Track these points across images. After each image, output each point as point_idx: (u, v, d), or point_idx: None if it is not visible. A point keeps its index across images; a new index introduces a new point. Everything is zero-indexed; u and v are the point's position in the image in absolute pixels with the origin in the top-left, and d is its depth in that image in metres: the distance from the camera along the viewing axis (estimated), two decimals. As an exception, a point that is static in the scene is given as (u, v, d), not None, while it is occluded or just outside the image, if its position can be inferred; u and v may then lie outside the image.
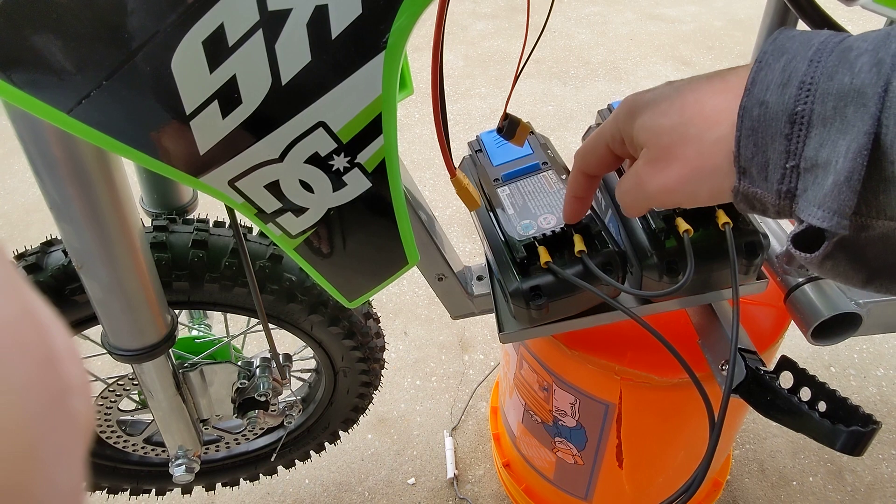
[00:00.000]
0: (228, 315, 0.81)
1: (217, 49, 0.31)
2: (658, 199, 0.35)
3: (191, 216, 0.72)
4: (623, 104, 0.37)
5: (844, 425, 0.48)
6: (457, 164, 0.73)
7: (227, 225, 0.68)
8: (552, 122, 1.96)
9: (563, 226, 0.57)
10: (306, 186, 0.38)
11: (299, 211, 0.40)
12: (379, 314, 0.85)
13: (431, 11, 0.39)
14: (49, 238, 0.64)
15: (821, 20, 0.49)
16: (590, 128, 0.71)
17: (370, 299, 0.82)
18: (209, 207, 0.79)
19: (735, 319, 0.49)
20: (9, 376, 0.12)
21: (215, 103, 0.33)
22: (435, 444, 1.14)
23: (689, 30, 2.43)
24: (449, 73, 2.22)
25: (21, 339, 0.13)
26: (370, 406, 0.92)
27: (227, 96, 0.33)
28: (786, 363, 0.56)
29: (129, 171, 0.58)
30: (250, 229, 0.71)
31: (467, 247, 1.53)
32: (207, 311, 0.90)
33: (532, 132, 0.69)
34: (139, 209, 0.65)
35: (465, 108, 2.03)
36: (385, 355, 0.87)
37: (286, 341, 1.12)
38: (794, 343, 1.22)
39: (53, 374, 0.14)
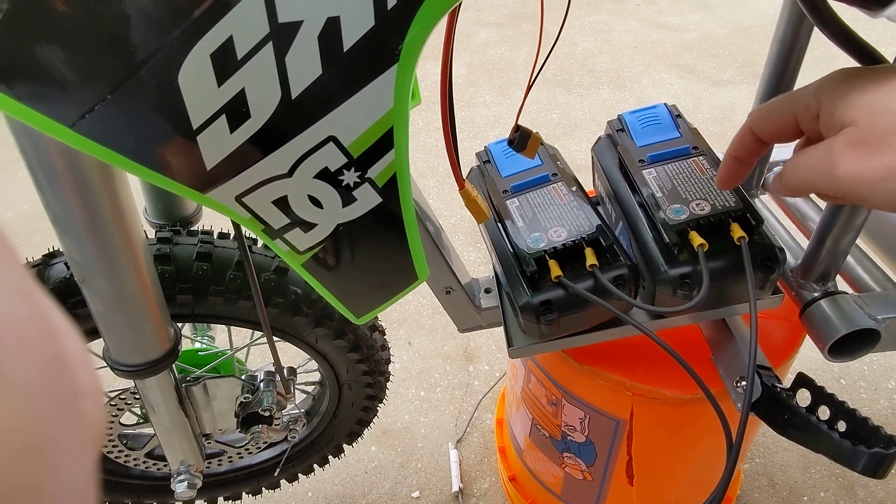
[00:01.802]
0: (233, 328, 0.80)
1: (225, 62, 0.30)
2: (844, 188, 0.30)
3: (195, 227, 0.71)
4: (834, 75, 0.32)
5: (866, 446, 0.47)
6: (464, 174, 0.72)
7: (231, 237, 0.67)
8: (557, 130, 1.96)
9: (574, 239, 0.56)
10: (315, 202, 0.37)
11: (308, 226, 0.39)
12: (383, 324, 0.84)
13: (439, 23, 0.38)
14: (51, 250, 0.63)
15: (838, 30, 0.48)
16: (599, 138, 0.70)
17: (375, 311, 0.81)
18: (214, 219, 0.78)
19: (753, 337, 0.48)
20: (17, 374, 0.12)
21: (223, 118, 0.32)
22: (439, 457, 1.12)
23: (693, 38, 2.43)
24: (454, 81, 2.22)
25: (31, 339, 0.13)
26: (375, 419, 0.91)
27: (236, 110, 0.32)
28: (803, 380, 0.55)
29: (133, 181, 0.57)
30: (255, 241, 0.70)
31: (472, 256, 1.52)
32: (211, 325, 0.89)
33: (542, 143, 0.68)
34: (143, 220, 0.65)
35: (469, 117, 2.02)
36: (390, 367, 0.86)
37: (290, 353, 1.11)
38: (803, 355, 1.20)
39: (63, 375, 0.14)
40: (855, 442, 0.47)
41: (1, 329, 0.12)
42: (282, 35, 0.30)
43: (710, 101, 2.05)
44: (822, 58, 2.12)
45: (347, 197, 0.37)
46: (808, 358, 1.21)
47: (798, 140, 0.39)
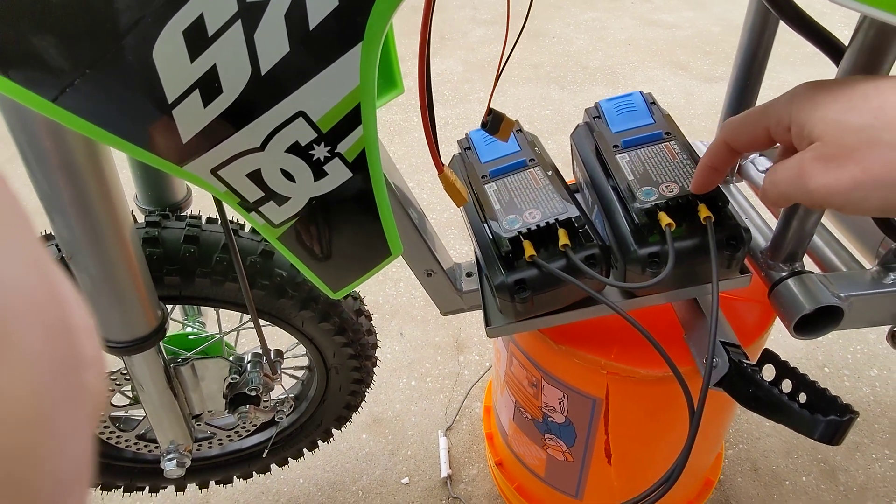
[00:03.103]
0: (222, 312, 0.82)
1: (197, 39, 0.32)
2: (817, 199, 0.33)
3: (185, 213, 0.73)
4: (801, 89, 0.34)
5: (822, 415, 0.48)
6: (447, 162, 0.74)
7: (218, 221, 0.69)
8: (550, 125, 1.97)
9: (547, 220, 0.58)
10: (288, 175, 0.39)
11: (281, 200, 0.41)
12: (374, 315, 0.86)
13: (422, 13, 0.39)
14: (44, 233, 0.65)
15: (797, 18, 0.50)
16: (578, 126, 0.72)
17: (362, 296, 0.83)
18: (203, 204, 0.80)
19: (714, 310, 0.50)
20: (26, 342, 0.12)
21: (196, 92, 0.34)
22: (429, 444, 1.14)
23: (687, 35, 2.45)
24: (448, 77, 2.24)
25: (40, 308, 0.13)
26: (363, 405, 0.93)
27: (208, 86, 0.34)
28: (768, 356, 0.57)
29: (124, 168, 0.59)
30: (242, 226, 0.72)
31: (464, 249, 1.54)
32: (202, 310, 0.91)
33: (520, 129, 0.70)
34: (133, 206, 0.66)
35: (463, 113, 2.04)
36: (381, 356, 0.88)
37: (281, 340, 1.13)
38: (788, 343, 1.22)
39: (69, 345, 0.14)
40: (813, 412, 0.49)
41: (12, 296, 0.12)
42: (250, 13, 0.32)
43: (702, 96, 2.07)
44: (815, 52, 2.13)
45: (318, 171, 0.39)
46: (794, 347, 1.23)
47: (778, 147, 0.41)
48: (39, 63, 0.32)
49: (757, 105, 0.40)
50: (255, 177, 0.39)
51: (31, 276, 0.13)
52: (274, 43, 0.33)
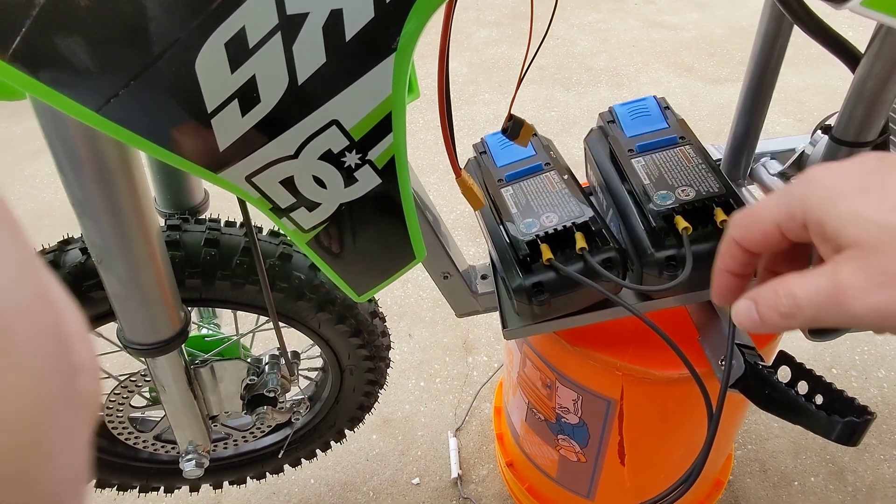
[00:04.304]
0: (238, 315, 0.83)
1: (238, 50, 0.33)
2: (866, 323, 0.26)
3: (203, 216, 0.74)
4: (814, 176, 0.28)
5: (840, 416, 0.49)
6: (462, 166, 0.75)
7: (238, 224, 0.70)
8: (555, 127, 1.98)
9: (565, 223, 0.59)
10: (319, 182, 0.40)
11: (312, 206, 0.42)
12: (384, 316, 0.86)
13: (437, 20, 0.40)
14: (66, 237, 0.66)
15: (816, 27, 0.50)
16: (591, 130, 0.73)
17: (376, 298, 0.84)
18: (221, 207, 0.81)
19: (731, 313, 0.51)
20: (20, 344, 0.12)
21: (235, 102, 0.35)
22: (439, 445, 1.15)
23: (691, 37, 2.46)
24: (453, 79, 2.25)
25: (34, 313, 0.13)
26: (375, 405, 0.94)
27: (247, 95, 0.35)
28: (784, 358, 0.57)
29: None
30: (261, 228, 0.73)
31: (472, 250, 1.55)
32: (217, 312, 0.92)
33: (535, 134, 0.70)
34: (153, 209, 0.67)
35: (469, 114, 2.05)
36: (390, 356, 0.89)
37: (294, 341, 1.14)
38: (796, 344, 1.23)
39: (63, 350, 0.14)
40: (830, 413, 0.50)
41: (5, 300, 0.12)
42: (289, 25, 0.33)
43: (707, 98, 2.08)
44: (820, 55, 2.14)
45: (349, 178, 0.40)
46: (801, 348, 1.24)
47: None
48: (86, 76, 0.32)
49: (767, 196, 0.33)
50: (288, 183, 0.40)
51: (22, 281, 0.13)
52: (311, 54, 0.34)
